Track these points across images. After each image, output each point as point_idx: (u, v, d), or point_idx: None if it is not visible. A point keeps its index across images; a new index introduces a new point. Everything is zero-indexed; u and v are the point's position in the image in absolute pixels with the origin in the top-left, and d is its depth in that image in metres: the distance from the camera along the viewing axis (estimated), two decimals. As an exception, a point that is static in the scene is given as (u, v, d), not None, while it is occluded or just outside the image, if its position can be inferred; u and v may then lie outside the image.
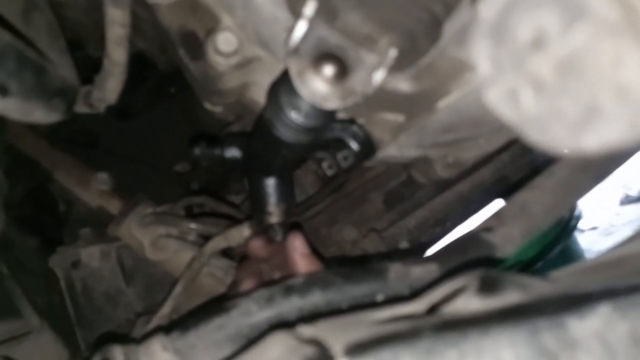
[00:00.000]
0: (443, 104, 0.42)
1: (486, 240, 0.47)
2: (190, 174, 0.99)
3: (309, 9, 0.34)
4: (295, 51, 0.35)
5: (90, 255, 0.82)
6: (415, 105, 0.45)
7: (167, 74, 1.00)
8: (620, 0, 0.12)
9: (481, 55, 0.16)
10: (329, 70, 0.35)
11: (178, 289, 0.63)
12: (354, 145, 0.48)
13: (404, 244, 0.87)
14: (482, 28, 0.16)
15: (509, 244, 0.47)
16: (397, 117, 0.48)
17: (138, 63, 0.82)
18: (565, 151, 0.15)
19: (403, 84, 0.43)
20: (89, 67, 0.63)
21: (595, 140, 0.14)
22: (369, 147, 0.47)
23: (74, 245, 0.82)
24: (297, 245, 0.52)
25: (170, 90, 1.09)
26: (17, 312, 0.74)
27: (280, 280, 0.49)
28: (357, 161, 0.48)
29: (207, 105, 0.58)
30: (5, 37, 0.29)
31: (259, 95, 0.53)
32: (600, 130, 0.14)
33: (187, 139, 1.04)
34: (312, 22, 0.34)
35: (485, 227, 0.48)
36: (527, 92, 0.15)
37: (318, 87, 0.35)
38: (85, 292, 0.85)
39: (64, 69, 0.39)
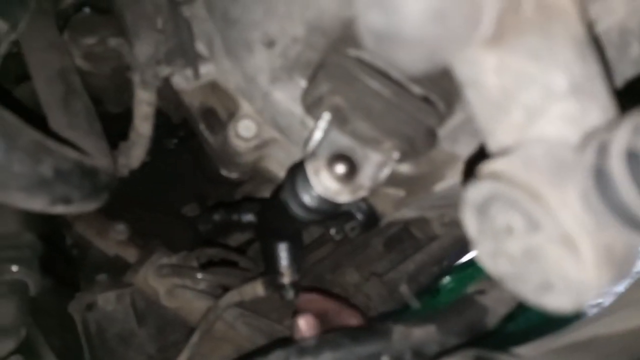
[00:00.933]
0: (439, 187, 0.48)
1: (479, 302, 0.53)
2: (199, 218, 1.04)
3: (324, 119, 0.40)
4: (312, 154, 0.40)
5: (106, 299, 0.86)
6: (414, 184, 0.51)
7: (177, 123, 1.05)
8: (561, 223, 0.17)
9: (469, 223, 0.22)
10: (340, 168, 0.41)
11: (194, 339, 0.68)
12: (360, 217, 0.53)
13: (403, 287, 0.91)
14: (469, 205, 0.22)
15: (500, 306, 0.52)
16: (399, 192, 0.53)
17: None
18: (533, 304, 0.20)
19: (404, 167, 0.49)
20: (108, 121, 0.69)
21: (550, 303, 0.20)
22: (373, 218, 0.53)
23: (91, 291, 0.86)
24: (301, 328, 0.55)
25: (179, 134, 1.14)
26: (38, 357, 0.78)
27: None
28: (363, 231, 0.53)
29: (224, 172, 0.64)
30: (71, 155, 0.34)
31: (272, 165, 0.59)
32: (553, 298, 0.19)
33: (195, 181, 1.09)
34: (326, 129, 0.40)
35: (479, 289, 0.54)
36: (503, 258, 0.21)
37: (331, 184, 0.40)
38: (100, 334, 0.89)
39: (103, 157, 0.45)
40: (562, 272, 0.18)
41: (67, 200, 0.34)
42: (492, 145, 0.23)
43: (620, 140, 0.16)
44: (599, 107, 0.19)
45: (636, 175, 0.16)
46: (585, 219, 0.17)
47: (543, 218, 0.18)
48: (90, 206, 0.38)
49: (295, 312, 0.58)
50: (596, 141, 0.17)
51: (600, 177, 0.17)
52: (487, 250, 0.21)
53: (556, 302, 0.19)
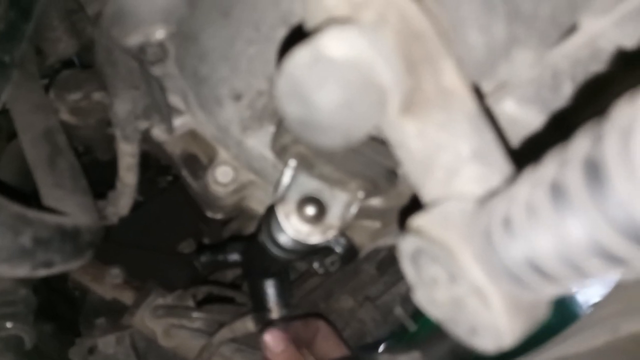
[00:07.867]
0: (409, 219, 0.50)
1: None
2: (194, 254, 1.06)
3: (291, 166, 0.42)
4: (282, 198, 0.43)
5: (107, 343, 0.88)
6: (387, 215, 0.53)
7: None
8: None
9: (406, 271, 0.24)
10: (310, 210, 0.43)
11: (191, 378, 0.69)
12: (339, 250, 0.55)
13: (398, 309, 0.93)
14: (403, 255, 0.24)
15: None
16: (375, 224, 0.55)
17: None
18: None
19: (374, 201, 0.51)
20: (97, 169, 0.72)
21: (479, 345, 0.22)
22: (352, 251, 0.55)
23: (91, 335, 0.88)
24: (270, 344, 0.55)
25: (172, 172, 1.16)
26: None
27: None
28: (343, 264, 0.55)
29: (209, 214, 0.66)
30: (51, 221, 0.36)
31: (253, 204, 0.61)
32: (479, 341, 0.21)
33: (190, 218, 1.11)
34: (294, 174, 0.43)
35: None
36: (436, 305, 0.23)
37: (302, 227, 0.43)
38: (101, 377, 0.90)
39: (87, 214, 0.47)
40: (481, 320, 0.20)
41: (48, 264, 0.36)
42: (424, 197, 0.25)
43: (498, 209, 0.18)
44: (497, 169, 0.22)
45: (511, 238, 0.18)
46: (490, 274, 0.19)
47: (458, 272, 0.20)
48: (74, 265, 0.41)
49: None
50: (486, 206, 0.20)
51: (489, 239, 0.19)
52: (423, 296, 0.24)
53: (482, 344, 0.21)
